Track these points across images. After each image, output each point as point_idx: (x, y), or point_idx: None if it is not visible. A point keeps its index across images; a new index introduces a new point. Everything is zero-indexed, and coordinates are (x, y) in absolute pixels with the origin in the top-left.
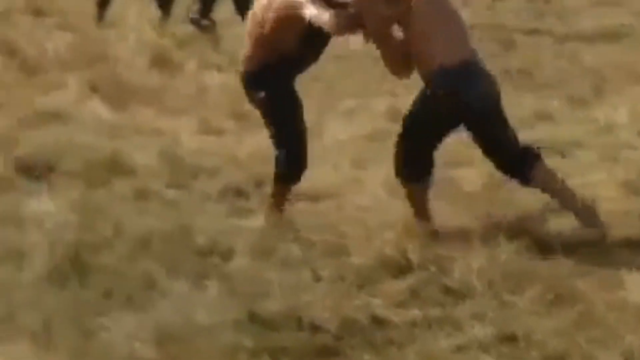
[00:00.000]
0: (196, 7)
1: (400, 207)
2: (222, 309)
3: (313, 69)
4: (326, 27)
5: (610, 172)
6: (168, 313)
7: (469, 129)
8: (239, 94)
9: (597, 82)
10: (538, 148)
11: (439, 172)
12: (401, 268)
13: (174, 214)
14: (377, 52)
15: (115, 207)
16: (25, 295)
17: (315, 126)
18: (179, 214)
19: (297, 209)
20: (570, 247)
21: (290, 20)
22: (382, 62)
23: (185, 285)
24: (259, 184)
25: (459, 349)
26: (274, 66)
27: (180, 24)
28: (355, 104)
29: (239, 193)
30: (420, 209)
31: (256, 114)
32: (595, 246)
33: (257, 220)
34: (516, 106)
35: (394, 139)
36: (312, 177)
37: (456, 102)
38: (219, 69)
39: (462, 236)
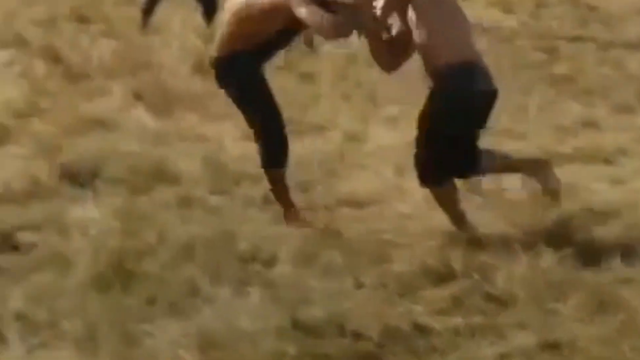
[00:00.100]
0: None
1: (442, 215)
2: (265, 315)
3: (355, 75)
4: (319, 31)
5: None
6: (211, 319)
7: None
8: (282, 100)
9: None
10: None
11: (484, 180)
12: (443, 276)
13: (217, 221)
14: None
15: (159, 214)
16: (70, 301)
17: (358, 132)
18: (222, 220)
19: (340, 215)
20: (614, 255)
21: (275, 13)
22: (421, 70)
23: (228, 292)
24: (301, 190)
25: (502, 357)
26: (247, 53)
27: None
28: (398, 110)
29: None
30: (452, 212)
31: (298, 120)
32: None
33: (299, 226)
34: (560, 113)
35: None
36: (354, 184)
37: (461, 99)
38: None
39: (505, 244)
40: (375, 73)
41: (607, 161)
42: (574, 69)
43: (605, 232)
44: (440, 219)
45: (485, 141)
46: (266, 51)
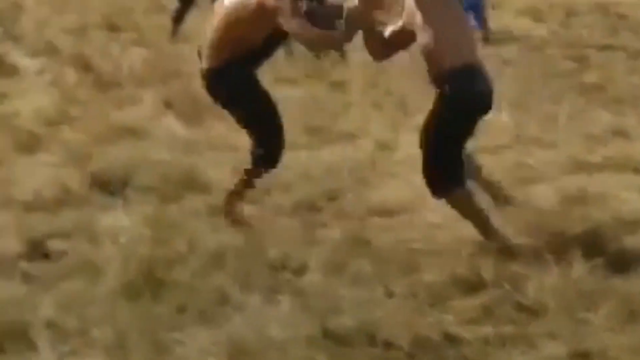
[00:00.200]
0: None
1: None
2: (295, 324)
3: (386, 84)
4: (309, 46)
5: None
6: (241, 328)
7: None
8: (313, 108)
9: None
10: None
11: (513, 189)
12: (474, 285)
13: (247, 229)
14: None
15: (189, 222)
16: (100, 309)
17: (389, 141)
18: (252, 228)
19: (370, 223)
20: None
21: (263, 16)
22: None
23: (258, 300)
24: (331, 198)
25: None
26: (237, 62)
27: None
28: None
29: (312, 208)
30: (475, 219)
31: (329, 128)
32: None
33: (330, 235)
34: (590, 122)
35: None
36: (384, 192)
37: (467, 100)
38: (293, 82)
39: (536, 253)
40: (405, 82)
41: (637, 170)
42: (604, 78)
43: (636, 241)
44: (471, 228)
45: (516, 150)
46: (255, 58)
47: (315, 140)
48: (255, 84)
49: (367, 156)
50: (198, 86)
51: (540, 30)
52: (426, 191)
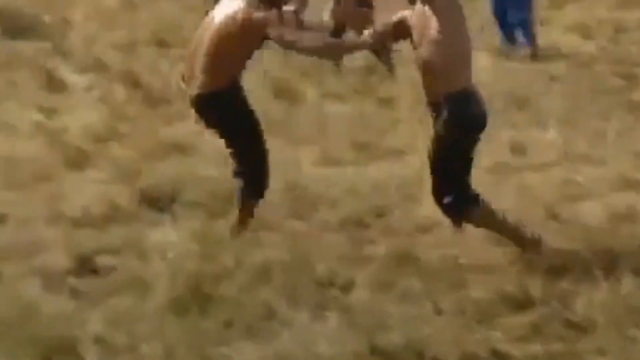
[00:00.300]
0: None
1: None
2: (343, 340)
3: None
4: (320, 55)
5: None
6: (288, 343)
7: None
8: (361, 124)
9: None
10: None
11: (561, 207)
12: (522, 302)
13: (294, 245)
14: (503, 87)
15: (237, 238)
16: (148, 325)
17: None
18: (299, 244)
19: (417, 240)
20: None
21: (252, 30)
22: (505, 96)
23: (305, 316)
24: (379, 215)
25: None
26: (230, 89)
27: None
28: None
29: (359, 224)
30: (505, 232)
31: (377, 144)
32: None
33: (378, 252)
34: (638, 139)
35: (515, 172)
36: (432, 209)
37: (462, 123)
38: (341, 98)
39: (585, 270)
40: None
41: None
42: None
43: None
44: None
45: (564, 167)
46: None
47: (363, 156)
48: (247, 107)
49: (415, 172)
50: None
51: (588, 47)
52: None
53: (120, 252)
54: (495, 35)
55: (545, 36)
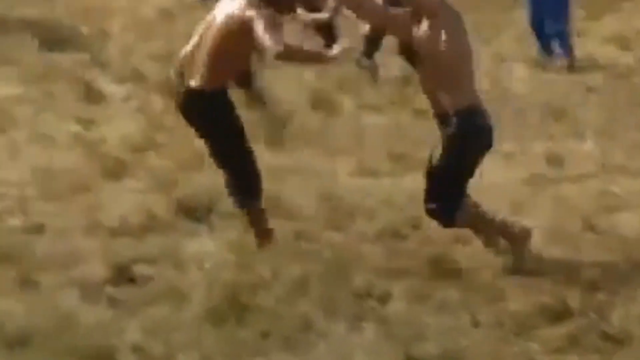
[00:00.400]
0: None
1: (558, 254)
2: (379, 352)
3: None
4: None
5: None
6: (325, 355)
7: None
8: (397, 135)
9: None
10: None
11: (598, 218)
12: (560, 314)
13: (331, 256)
14: (539, 98)
15: (274, 248)
16: (185, 334)
17: None
18: (336, 255)
19: (454, 251)
20: None
21: (247, 36)
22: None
23: (342, 327)
24: (416, 226)
25: None
26: (221, 89)
27: (340, 65)
28: (514, 147)
29: (396, 235)
30: (489, 231)
31: (413, 155)
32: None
33: (415, 263)
34: None
35: (552, 184)
36: None
37: (468, 139)
38: (377, 109)
39: (622, 282)
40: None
41: None
42: None
43: None
44: (557, 257)
45: (601, 178)
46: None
47: (399, 167)
48: (235, 110)
49: None
50: (283, 112)
51: (626, 58)
52: (512, 219)
53: (157, 261)
54: (532, 46)
55: (582, 47)
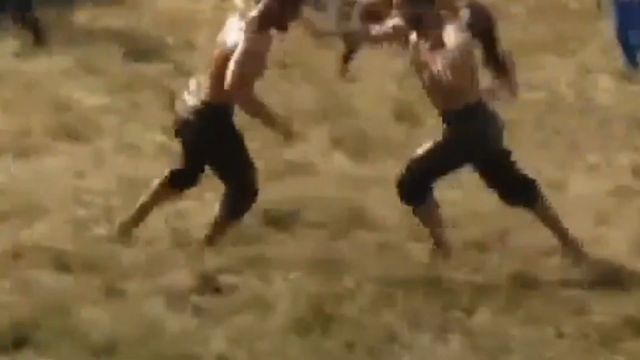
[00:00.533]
0: None
1: None
2: None
3: (554, 123)
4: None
5: None
6: None
7: (480, 163)
8: None
9: None
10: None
11: None
12: None
13: (415, 267)
14: (625, 110)
15: (358, 259)
16: (270, 344)
17: (558, 180)
18: (420, 266)
19: (539, 263)
20: None
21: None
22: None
23: (427, 339)
24: (500, 237)
25: None
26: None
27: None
28: (599, 158)
29: (481, 246)
30: (436, 230)
31: None
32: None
33: (500, 274)
34: None
35: (637, 195)
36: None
37: (463, 138)
38: None
39: None
40: (574, 121)
41: None
42: None
43: None
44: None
45: None
46: None
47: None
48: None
49: None
50: (366, 123)
51: None
52: (597, 231)
53: (242, 271)
54: (617, 57)
55: None
